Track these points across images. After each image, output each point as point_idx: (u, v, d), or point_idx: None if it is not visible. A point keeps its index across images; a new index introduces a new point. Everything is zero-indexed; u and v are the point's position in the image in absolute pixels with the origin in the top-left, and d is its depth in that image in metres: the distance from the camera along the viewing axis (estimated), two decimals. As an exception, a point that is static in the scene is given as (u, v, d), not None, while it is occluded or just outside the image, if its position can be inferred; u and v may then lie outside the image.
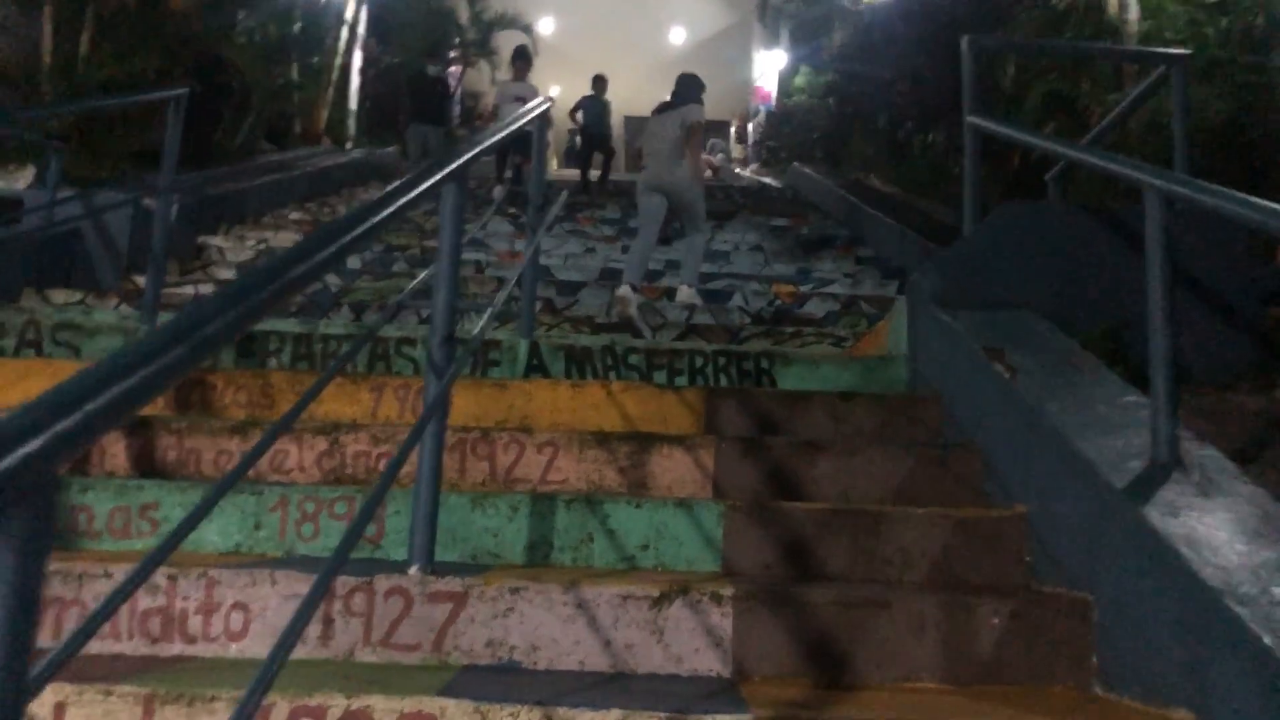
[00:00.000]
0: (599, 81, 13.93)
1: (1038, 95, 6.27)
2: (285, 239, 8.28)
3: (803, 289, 7.33)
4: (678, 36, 27.06)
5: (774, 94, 21.57)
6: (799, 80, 19.91)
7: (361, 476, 3.47)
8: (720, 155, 24.12)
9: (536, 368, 4.33)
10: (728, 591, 2.53)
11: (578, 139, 15.68)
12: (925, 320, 4.09)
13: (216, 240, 7.90)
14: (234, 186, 8.56)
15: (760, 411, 3.86)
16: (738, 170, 21.08)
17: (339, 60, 14.54)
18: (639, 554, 2.96)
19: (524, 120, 3.73)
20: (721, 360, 4.34)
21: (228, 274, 7.01)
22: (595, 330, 6.00)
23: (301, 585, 2.54)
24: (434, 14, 16.99)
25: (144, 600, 2.56)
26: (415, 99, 11.96)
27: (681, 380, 4.31)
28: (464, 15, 19.66)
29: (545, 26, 23.88)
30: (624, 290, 6.61)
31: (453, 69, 20.34)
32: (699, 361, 4.33)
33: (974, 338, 3.65)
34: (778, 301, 6.91)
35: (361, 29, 15.13)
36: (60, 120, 8.32)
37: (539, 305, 6.43)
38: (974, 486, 3.40)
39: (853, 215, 9.99)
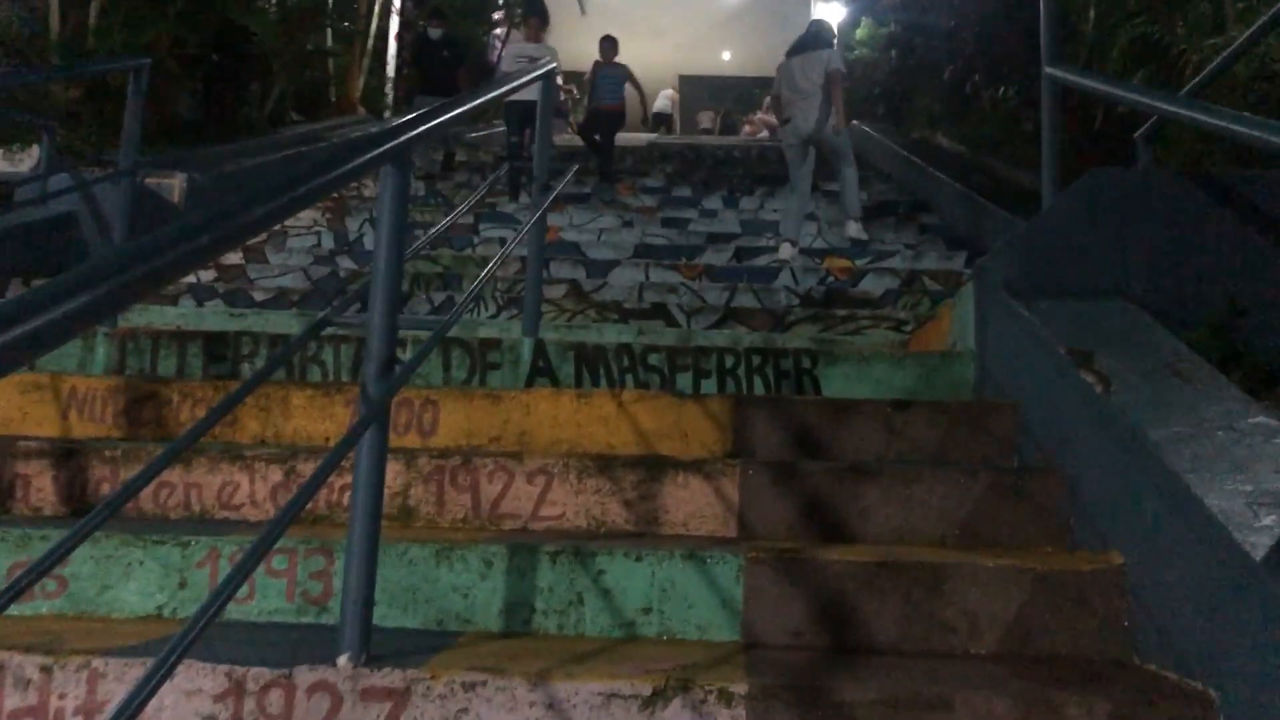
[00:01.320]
0: (608, 44, 10.91)
1: (1124, 41, 5.51)
2: (306, 219, 7.80)
3: (858, 263, 6.66)
4: (733, -10, 26.09)
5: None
6: (860, 33, 18.92)
7: (324, 513, 2.95)
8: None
9: (543, 371, 3.76)
10: (740, 689, 1.97)
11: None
12: (996, 312, 3.44)
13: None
14: (250, 162, 8.08)
15: (798, 425, 3.26)
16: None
17: (375, 25, 13.99)
18: (640, 619, 2.40)
19: (521, 84, 3.14)
20: (756, 359, 3.73)
21: (235, 258, 6.54)
22: (623, 317, 5.42)
23: (210, 679, 2.03)
24: (474, -29, 16.35)
25: (11, 697, 2.06)
26: (419, 67, 10.99)
27: (709, 384, 3.72)
28: (509, -25, 18.95)
29: (595, -17, 23.11)
30: (784, 249, 6.96)
31: (497, 31, 19.71)
32: (729, 361, 3.73)
33: (1057, 336, 3.00)
34: (830, 279, 6.26)
35: (399, -10, 14.57)
36: (69, 94, 7.91)
37: (564, 288, 5.88)
38: (1056, 522, 2.78)
39: (916, 178, 9.23)
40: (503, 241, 7.04)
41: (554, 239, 7.23)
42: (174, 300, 5.49)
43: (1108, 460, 2.60)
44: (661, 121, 24.06)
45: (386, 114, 14.13)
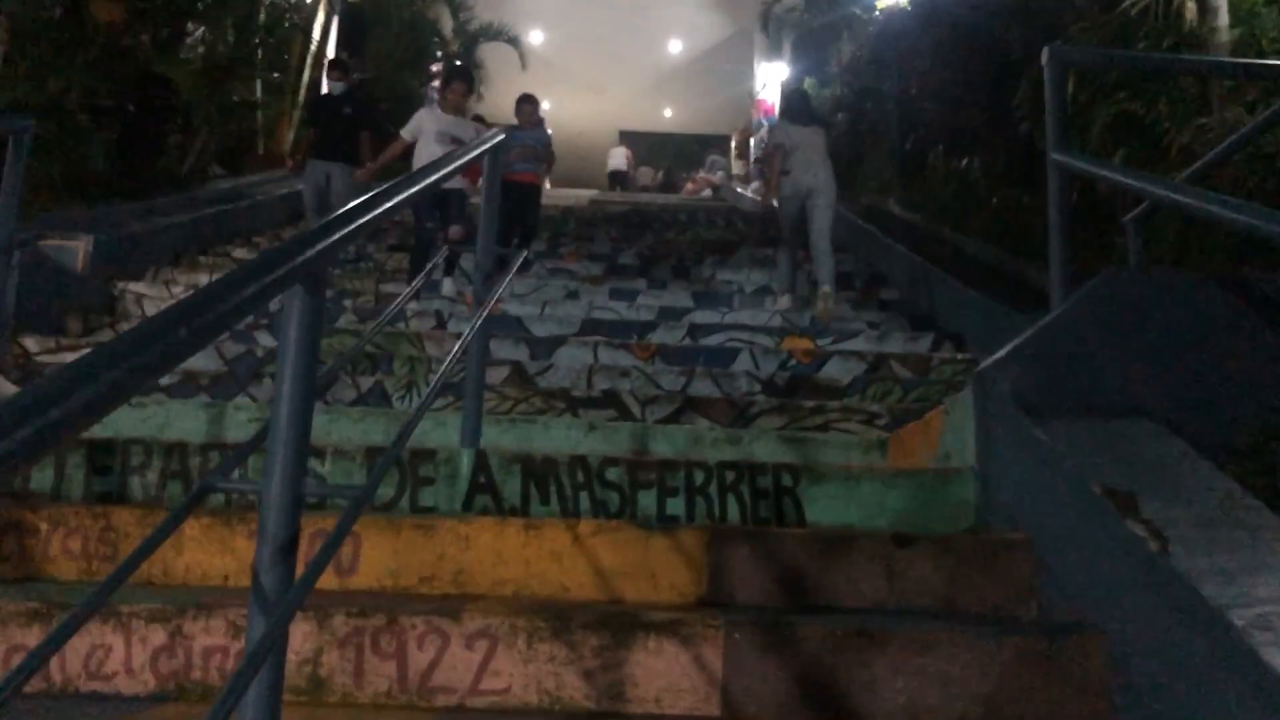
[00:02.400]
0: (527, 105, 8.97)
1: (1105, 117, 5.22)
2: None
3: (819, 344, 6.26)
4: (675, 48, 26.07)
5: (777, 107, 20.51)
6: (802, 94, 18.86)
7: (215, 683, 2.41)
8: (720, 173, 23.15)
9: (484, 487, 3.25)
10: None
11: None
12: (1004, 429, 3.02)
13: (139, 287, 6.81)
14: (164, 221, 7.48)
15: (785, 563, 2.79)
16: (739, 189, 20.06)
17: (307, 75, 13.47)
18: None
19: (444, 172, 2.65)
20: (729, 475, 3.26)
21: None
22: (572, 406, 4.93)
23: None
24: (412, 24, 15.90)
25: None
26: (315, 126, 9.03)
27: (675, 504, 3.24)
28: (447, 26, 18.59)
29: (534, 38, 22.84)
30: (784, 300, 7.51)
31: (436, 83, 19.28)
32: (699, 478, 3.26)
33: (1086, 469, 2.58)
34: (792, 362, 5.83)
35: (333, 41, 14.06)
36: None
37: (506, 370, 5.39)
38: (1099, 700, 2.34)
39: (872, 248, 8.91)
40: (438, 315, 6.53)
41: (495, 312, 6.73)
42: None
43: (1167, 631, 2.17)
44: (617, 180, 23.87)
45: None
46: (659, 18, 24.74)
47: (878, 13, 12.13)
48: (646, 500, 3.24)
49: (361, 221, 1.87)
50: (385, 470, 2.81)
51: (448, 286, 7.54)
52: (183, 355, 1.37)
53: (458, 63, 11.16)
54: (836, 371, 5.73)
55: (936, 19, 8.54)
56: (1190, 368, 3.00)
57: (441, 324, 6.33)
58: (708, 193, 22.15)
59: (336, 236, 1.72)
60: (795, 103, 8.35)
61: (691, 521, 3.21)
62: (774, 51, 21.70)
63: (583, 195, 18.07)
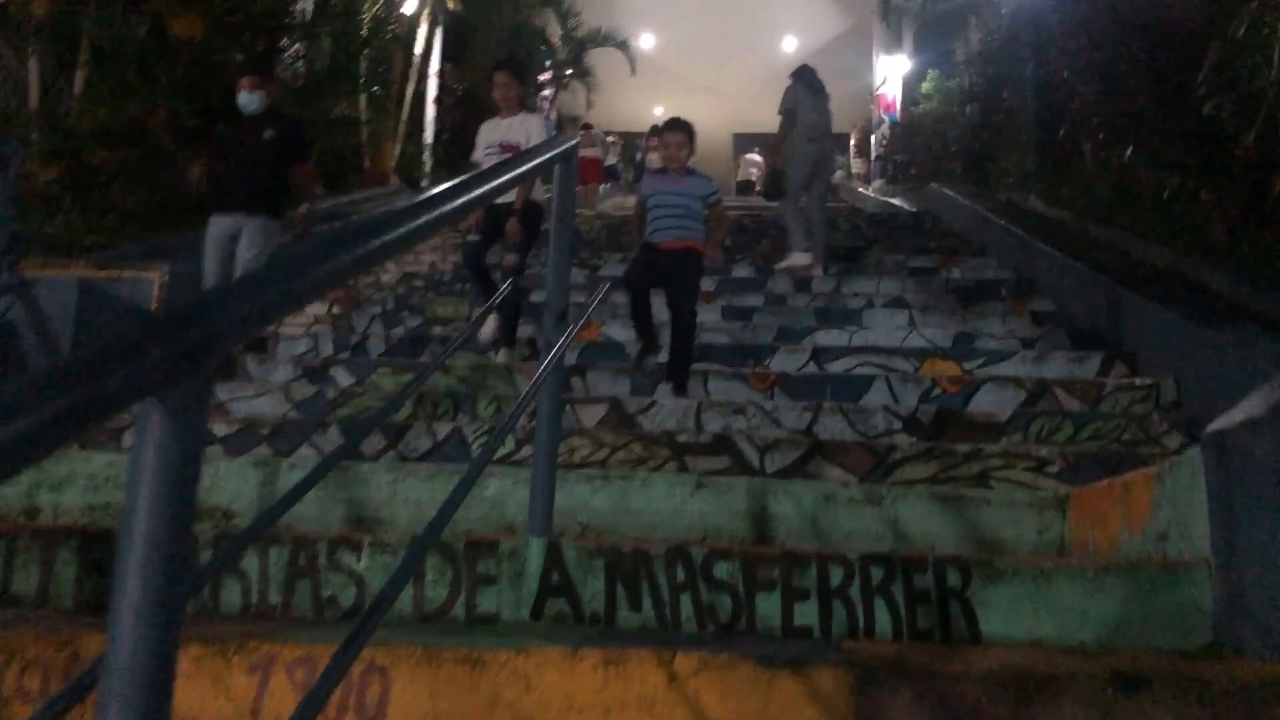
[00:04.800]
0: (676, 133, 5.49)
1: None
2: (307, 313, 6.72)
3: (967, 368, 5.40)
4: (790, 45, 25.12)
5: (898, 102, 19.44)
6: (926, 86, 17.77)
7: None
8: (839, 172, 22.14)
9: (558, 588, 2.55)
10: None
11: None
12: (1265, 518, 2.18)
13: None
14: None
15: (961, 717, 2.01)
16: (860, 189, 19.05)
17: (411, 89, 13.10)
18: None
19: (489, 186, 1.96)
20: (877, 573, 2.48)
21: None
22: (677, 454, 4.22)
23: None
24: (516, 31, 15.43)
25: None
26: (217, 158, 6.12)
27: (806, 610, 2.47)
28: (555, 33, 18.11)
29: (644, 42, 22.23)
30: (797, 257, 7.70)
31: (545, 92, 18.73)
32: (837, 576, 2.49)
33: None
34: (936, 391, 5.00)
35: (436, 53, 13.67)
36: (49, 175, 6.96)
37: (602, 409, 4.70)
38: None
39: (1018, 251, 7.93)
40: (532, 344, 5.88)
41: (594, 337, 6.07)
42: (117, 435, 4.40)
43: None
44: (746, 190, 23.16)
45: (424, 183, 13.19)
46: (773, 15, 23.90)
47: (1010, -9, 11.08)
48: (768, 606, 2.49)
49: (274, 294, 1.17)
50: (408, 575, 2.12)
51: (502, 357, 5.73)
52: None
53: (508, 56, 8.66)
54: (991, 403, 4.87)
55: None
56: None
57: (536, 353, 5.65)
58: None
59: (226, 323, 1.03)
60: (805, 71, 8.36)
61: (828, 636, 2.45)
62: (894, 44, 20.61)
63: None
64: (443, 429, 4.37)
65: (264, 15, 8.31)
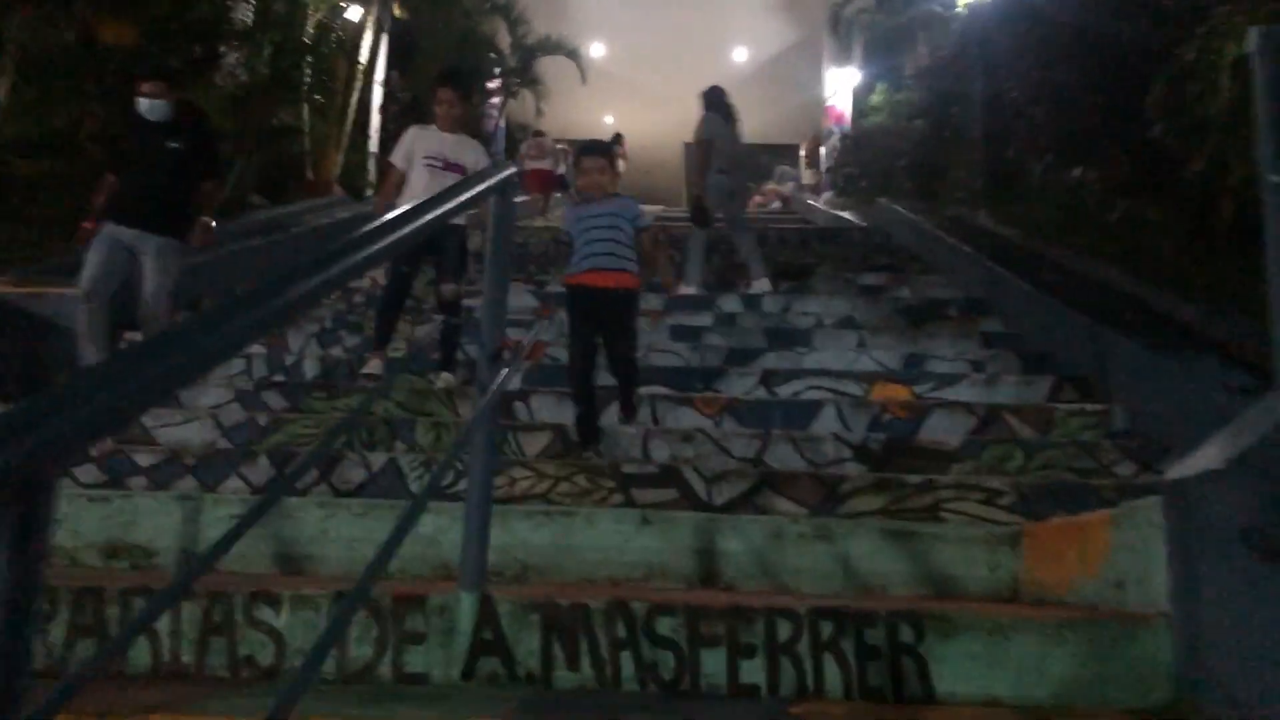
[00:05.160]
0: (588, 160, 4.86)
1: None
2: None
3: (918, 392, 5.32)
4: (740, 56, 25.16)
5: (848, 114, 19.50)
6: (875, 99, 17.83)
7: None
8: (790, 184, 22.19)
9: (490, 646, 2.40)
10: None
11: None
12: (1231, 580, 2.09)
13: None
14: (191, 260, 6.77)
15: (915, 790, 1.90)
16: (810, 200, 19.07)
17: (356, 96, 12.85)
18: None
19: (431, 214, 1.83)
20: (826, 628, 2.37)
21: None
22: (622, 485, 4.09)
23: None
24: (465, 39, 15.23)
25: None
26: (117, 168, 5.48)
27: (752, 668, 2.35)
28: (505, 41, 17.93)
29: (595, 50, 22.12)
30: (693, 288, 7.78)
31: (494, 100, 18.51)
32: (784, 631, 2.37)
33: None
34: (886, 416, 4.91)
35: (382, 60, 13.43)
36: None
37: (546, 438, 4.57)
38: None
39: (967, 269, 7.91)
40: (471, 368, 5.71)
41: (538, 358, 5.92)
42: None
43: None
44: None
45: (368, 193, 12.95)
46: (723, 26, 23.91)
47: (960, 8, 11.10)
48: (713, 663, 2.36)
49: (175, 364, 1.02)
50: (332, 640, 1.97)
51: (441, 382, 5.42)
52: None
53: (449, 66, 8.42)
54: (941, 430, 4.80)
55: (1032, 14, 7.54)
56: None
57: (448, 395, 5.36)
58: (777, 204, 21.18)
59: (68, 428, 0.87)
60: (719, 98, 8.26)
61: (776, 694, 2.33)
62: (844, 56, 20.68)
63: (648, 212, 17.25)
64: (378, 460, 4.20)
65: (200, 22, 8.07)
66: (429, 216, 1.98)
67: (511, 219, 2.63)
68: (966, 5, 10.93)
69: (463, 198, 2.30)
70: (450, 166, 5.55)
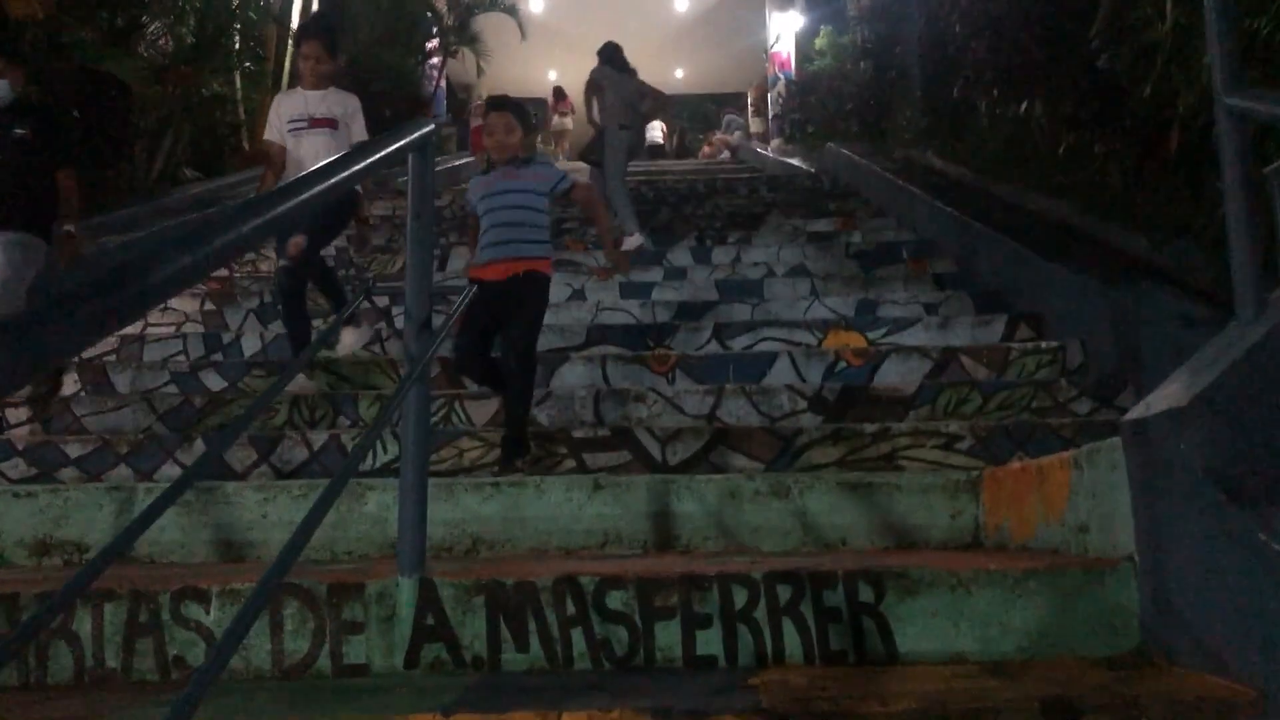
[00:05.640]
0: (497, 116, 4.24)
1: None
2: (176, 312, 6.26)
3: (871, 338, 5.24)
4: (682, 4, 24.79)
5: (793, 60, 19.30)
6: (819, 42, 17.62)
7: None
8: (738, 133, 22.01)
9: (433, 632, 2.29)
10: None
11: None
12: (1192, 519, 2.02)
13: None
14: (105, 240, 6.54)
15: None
16: (758, 149, 18.92)
17: (289, 63, 12.47)
18: None
19: (317, 188, 1.68)
20: (784, 592, 2.27)
21: (70, 385, 5.01)
22: (574, 451, 3.98)
23: None
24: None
25: None
26: None
27: (709, 639, 2.26)
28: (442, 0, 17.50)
29: (535, 5, 21.67)
30: (637, 238, 7.73)
31: (433, 60, 18.09)
32: (740, 598, 2.27)
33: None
34: (841, 365, 4.83)
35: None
36: None
37: (493, 406, 4.42)
38: None
39: (917, 211, 7.83)
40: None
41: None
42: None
43: None
44: (656, 154, 22.95)
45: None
46: (663, -27, 23.52)
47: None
48: (667, 636, 2.26)
49: None
50: (237, 640, 1.86)
51: (348, 341, 5.21)
52: None
53: (314, 14, 7.49)
54: (896, 376, 4.73)
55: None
56: None
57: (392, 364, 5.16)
58: (725, 155, 21.00)
59: None
60: (611, 53, 8.77)
61: (734, 664, 2.23)
62: (786, 1, 20.43)
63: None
64: (319, 438, 4.05)
65: (114, -11, 7.75)
66: (321, 187, 1.83)
67: (431, 179, 2.48)
68: (906, -60, 10.74)
69: (372, 159, 2.15)
70: (318, 122, 5.04)
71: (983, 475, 3.35)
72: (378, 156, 2.19)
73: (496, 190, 4.13)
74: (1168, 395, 2.17)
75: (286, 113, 5.15)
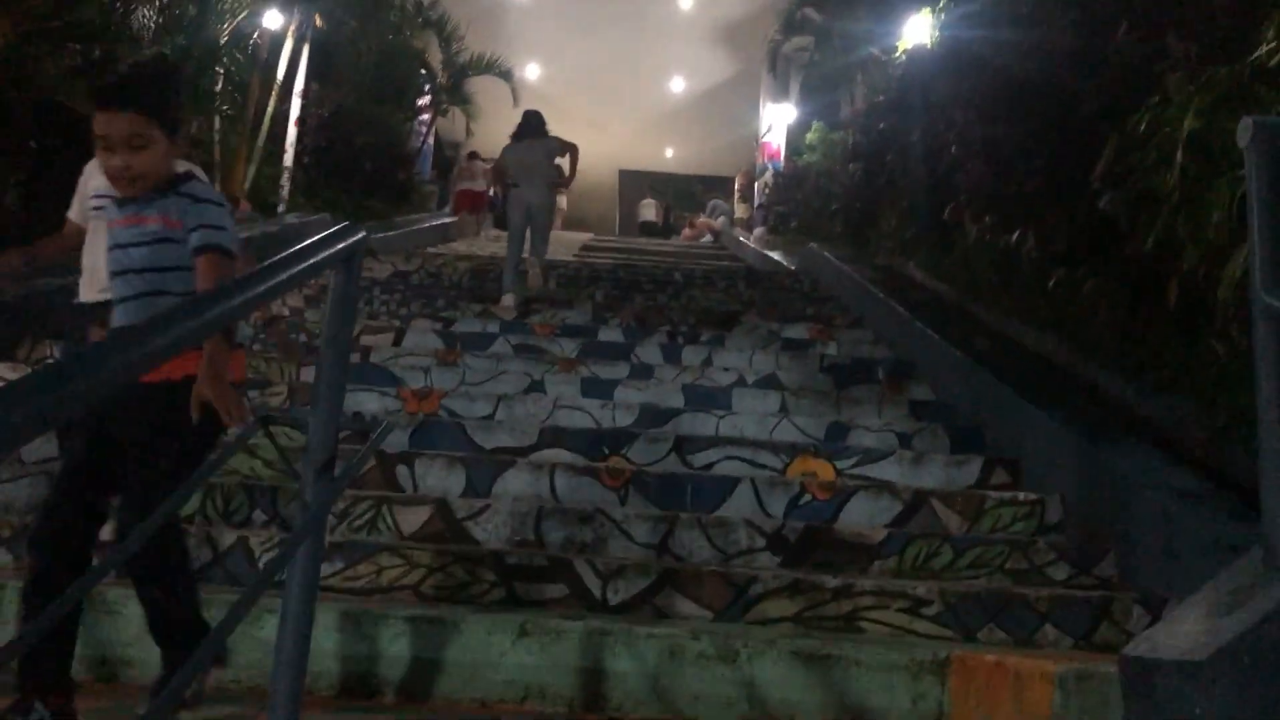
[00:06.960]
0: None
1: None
2: None
3: (840, 468, 4.93)
4: (678, 86, 24.96)
5: (783, 151, 19.30)
6: (810, 136, 17.63)
7: None
8: (722, 218, 21.97)
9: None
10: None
11: None
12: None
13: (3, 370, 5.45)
14: (44, 283, 6.15)
15: None
16: (741, 237, 18.82)
17: (272, 107, 12.24)
18: None
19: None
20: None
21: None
22: (505, 579, 3.62)
23: None
24: (392, 54, 14.65)
25: None
26: None
27: None
28: (436, 57, 17.39)
29: (530, 72, 21.67)
30: (508, 299, 8.34)
31: (424, 116, 17.93)
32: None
33: None
34: (806, 498, 4.51)
35: (302, 70, 12.82)
36: None
37: (425, 513, 4.08)
38: None
39: (896, 327, 7.59)
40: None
41: (433, 410, 5.42)
42: None
43: None
44: (648, 231, 23.33)
45: (280, 208, 12.31)
46: (661, 54, 23.64)
47: (900, 55, 10.88)
48: None
49: None
50: None
51: None
52: None
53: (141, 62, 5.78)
54: (863, 518, 4.40)
55: (975, 63, 7.27)
56: None
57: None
58: (708, 238, 20.91)
59: None
60: (525, 121, 9.27)
61: None
62: (781, 93, 20.52)
63: (575, 240, 16.84)
64: (227, 538, 3.67)
65: (88, 23, 7.44)
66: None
67: (354, 297, 2.15)
68: (906, 52, 10.69)
69: (283, 276, 1.82)
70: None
71: (950, 659, 3.02)
72: (295, 271, 1.85)
73: (116, 228, 2.71)
74: (1181, 638, 1.86)
75: (93, 188, 3.78)
